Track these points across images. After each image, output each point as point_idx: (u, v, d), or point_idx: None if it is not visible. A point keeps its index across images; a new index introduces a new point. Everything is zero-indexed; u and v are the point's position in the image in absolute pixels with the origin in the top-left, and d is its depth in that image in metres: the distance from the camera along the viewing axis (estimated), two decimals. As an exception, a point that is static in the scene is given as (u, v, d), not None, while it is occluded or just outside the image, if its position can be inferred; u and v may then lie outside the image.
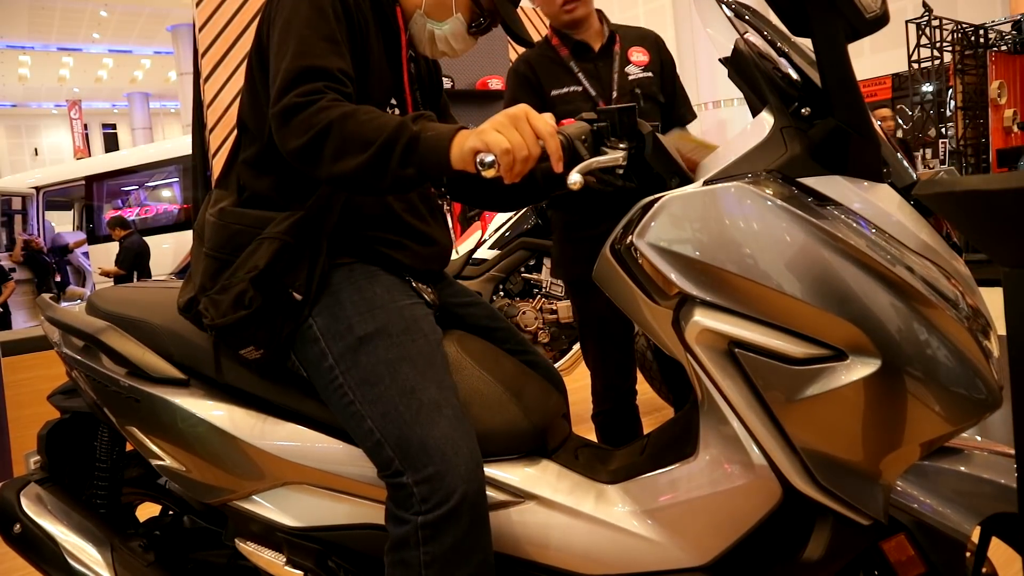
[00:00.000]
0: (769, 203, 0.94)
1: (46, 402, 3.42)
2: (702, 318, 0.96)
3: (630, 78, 1.85)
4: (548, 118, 0.98)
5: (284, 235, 1.11)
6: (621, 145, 1.07)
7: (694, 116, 1.96)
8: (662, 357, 2.38)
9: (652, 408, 3.64)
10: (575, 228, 1.89)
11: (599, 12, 1.90)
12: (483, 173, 0.94)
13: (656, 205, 0.99)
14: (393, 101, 1.25)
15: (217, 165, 3.79)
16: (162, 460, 1.28)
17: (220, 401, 1.23)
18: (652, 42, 1.94)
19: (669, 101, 1.93)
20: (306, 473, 1.18)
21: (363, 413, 1.07)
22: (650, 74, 1.87)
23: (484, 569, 1.03)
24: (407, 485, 1.02)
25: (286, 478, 1.20)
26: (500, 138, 0.94)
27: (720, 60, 1.13)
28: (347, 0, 1.14)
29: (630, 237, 1.01)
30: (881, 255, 0.93)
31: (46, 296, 1.44)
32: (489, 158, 0.93)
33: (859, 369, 0.91)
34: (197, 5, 3.81)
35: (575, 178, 0.97)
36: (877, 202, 0.98)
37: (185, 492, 1.31)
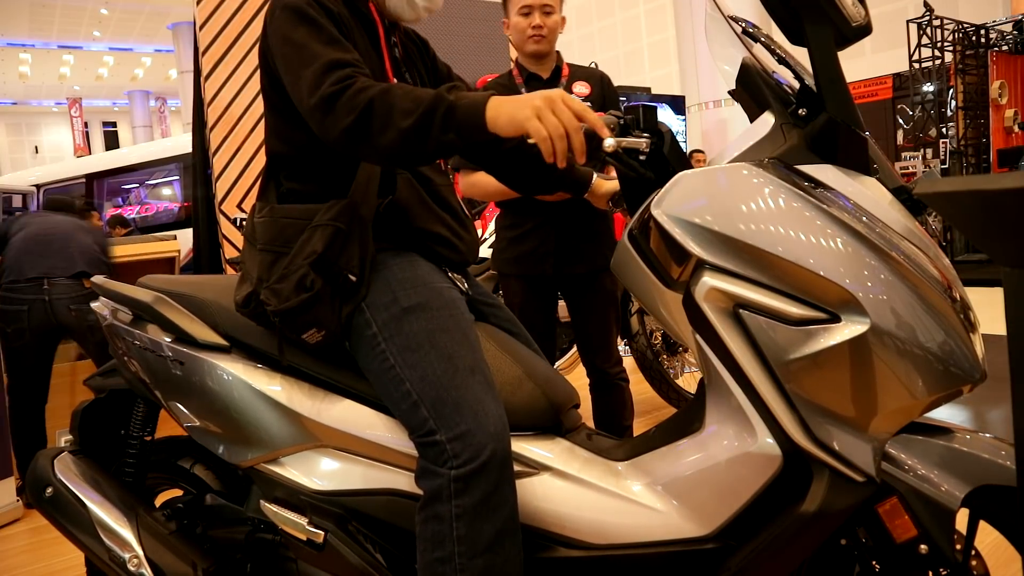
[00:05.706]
0: (771, 180, 1.05)
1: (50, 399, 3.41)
2: (710, 279, 1.05)
3: None
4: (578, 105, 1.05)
5: (334, 221, 1.18)
6: (644, 136, 1.20)
7: None
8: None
9: (652, 408, 3.64)
10: (506, 226, 2.30)
11: (558, 55, 2.30)
12: (531, 139, 1.04)
13: (673, 179, 1.09)
14: None
15: (218, 163, 3.78)
16: (196, 423, 1.36)
17: (258, 366, 1.31)
18: (597, 79, 2.31)
19: None
20: (335, 436, 1.25)
21: (402, 376, 1.16)
22: (588, 104, 2.08)
23: (510, 525, 1.09)
24: (440, 443, 1.09)
25: (316, 440, 1.27)
26: (539, 126, 1.02)
27: (729, 92, 1.25)
28: (324, 4, 1.21)
29: (647, 213, 1.10)
30: (870, 232, 1.02)
31: (100, 277, 1.56)
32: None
33: (850, 329, 0.99)
34: (198, 3, 3.80)
35: (610, 142, 1.10)
36: (865, 190, 1.07)
37: (216, 452, 1.38)
